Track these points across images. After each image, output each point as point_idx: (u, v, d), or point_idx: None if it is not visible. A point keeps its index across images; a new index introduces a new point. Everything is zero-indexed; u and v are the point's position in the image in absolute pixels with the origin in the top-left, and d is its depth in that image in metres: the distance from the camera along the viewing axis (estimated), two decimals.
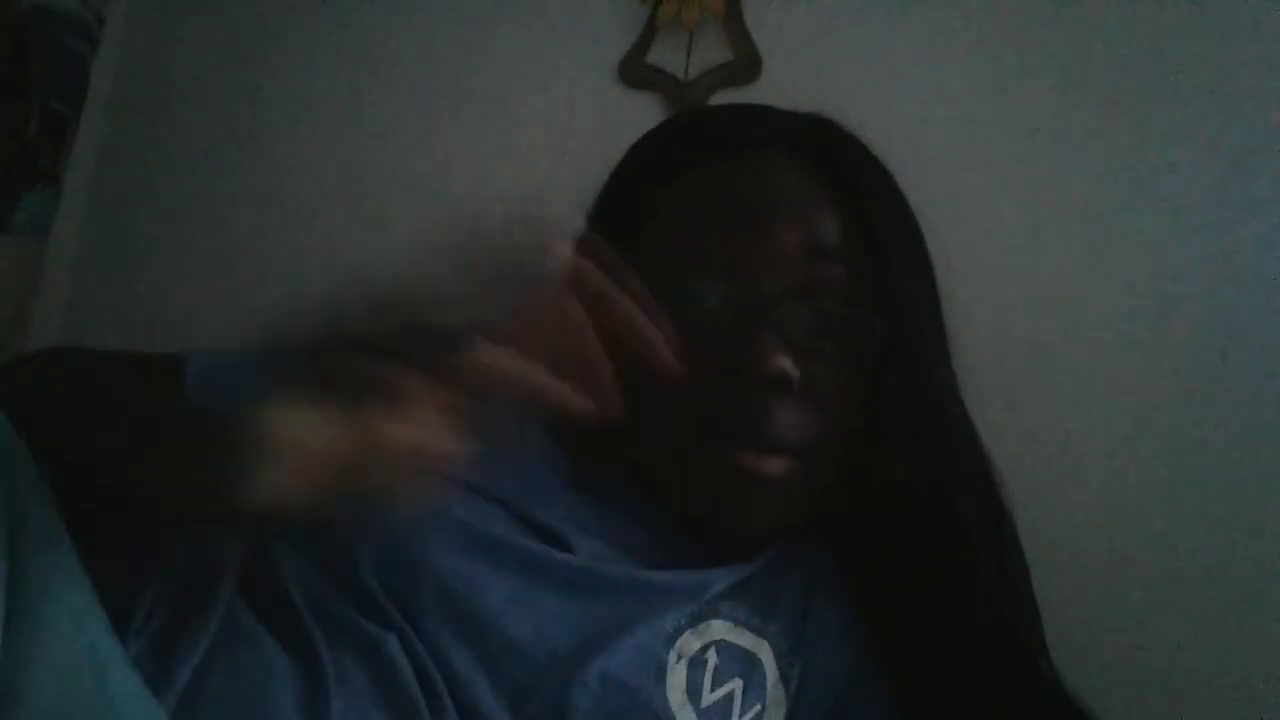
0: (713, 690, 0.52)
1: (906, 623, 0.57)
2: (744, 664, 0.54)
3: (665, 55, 0.89)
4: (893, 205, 0.60)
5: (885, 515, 0.57)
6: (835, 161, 0.58)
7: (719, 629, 0.54)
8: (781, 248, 0.55)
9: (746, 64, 0.87)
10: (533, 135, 0.91)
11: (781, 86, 0.87)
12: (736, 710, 0.52)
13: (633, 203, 0.62)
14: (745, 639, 0.55)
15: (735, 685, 0.53)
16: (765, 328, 0.53)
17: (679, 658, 0.52)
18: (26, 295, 0.95)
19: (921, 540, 0.56)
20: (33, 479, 0.36)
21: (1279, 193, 0.77)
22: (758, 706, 0.53)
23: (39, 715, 0.32)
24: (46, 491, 0.36)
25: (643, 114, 0.89)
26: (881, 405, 0.56)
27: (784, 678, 0.55)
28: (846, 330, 0.56)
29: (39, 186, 0.94)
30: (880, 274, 0.56)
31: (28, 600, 0.33)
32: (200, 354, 0.58)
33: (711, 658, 0.53)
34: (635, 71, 0.89)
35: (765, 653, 0.55)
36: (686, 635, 0.53)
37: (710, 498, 0.56)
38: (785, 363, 0.52)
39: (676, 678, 0.51)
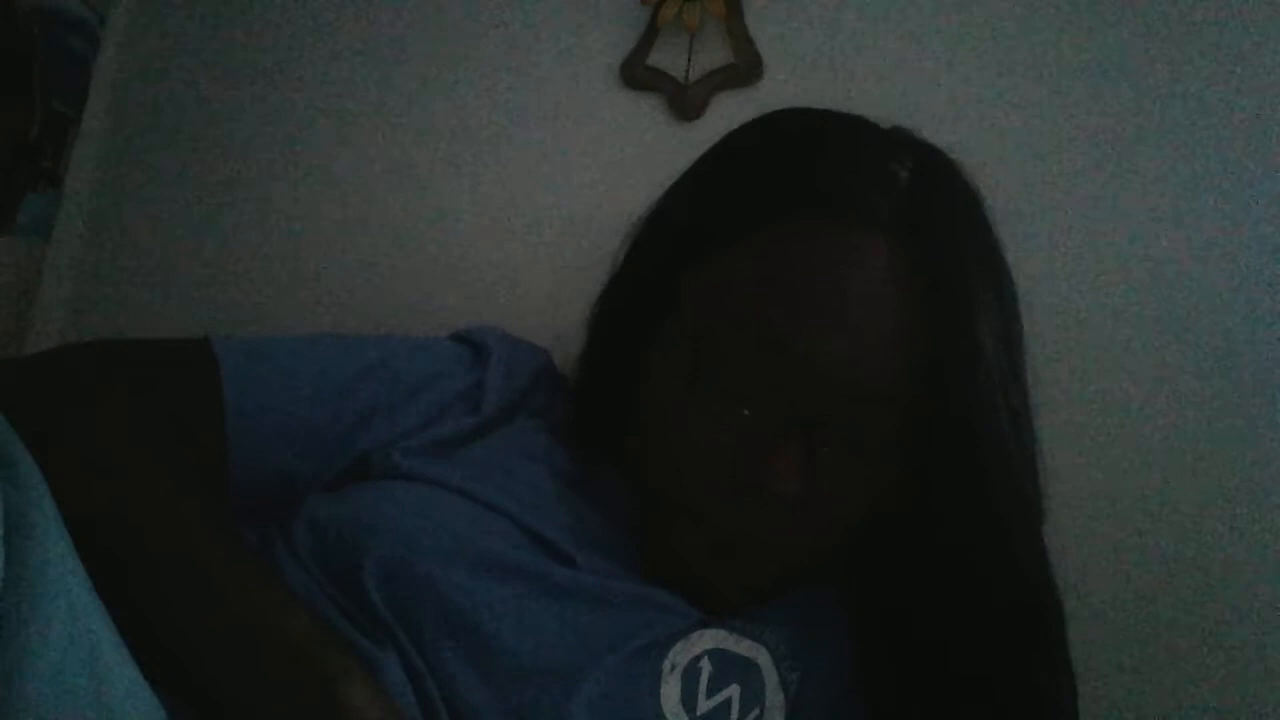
0: (708, 698, 0.52)
1: (917, 666, 0.54)
2: (740, 670, 0.54)
3: (666, 57, 0.89)
4: (992, 314, 0.51)
5: (912, 569, 0.54)
6: (941, 260, 0.51)
7: (712, 637, 0.54)
8: (837, 369, 0.50)
9: (748, 66, 0.87)
10: (533, 137, 0.91)
11: (783, 88, 0.87)
12: (734, 716, 0.52)
13: (706, 215, 0.57)
14: (742, 646, 0.54)
15: (732, 692, 0.53)
16: (789, 444, 0.50)
17: (672, 667, 0.52)
18: (28, 296, 0.95)
19: (957, 611, 0.52)
20: (31, 476, 0.36)
21: None
22: (756, 711, 0.53)
23: (37, 711, 0.32)
24: (45, 489, 0.36)
25: (644, 116, 0.89)
26: (936, 514, 0.51)
27: (784, 682, 0.55)
28: (890, 454, 0.52)
29: (41, 188, 0.94)
30: (959, 411, 0.49)
31: (26, 597, 0.33)
32: (227, 346, 0.57)
33: (705, 666, 0.53)
34: (636, 73, 0.89)
35: (763, 658, 0.55)
36: (679, 645, 0.53)
37: (681, 578, 0.55)
38: (797, 489, 0.50)
39: (670, 687, 0.51)
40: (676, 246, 0.58)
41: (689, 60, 0.88)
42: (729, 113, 0.82)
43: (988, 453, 0.50)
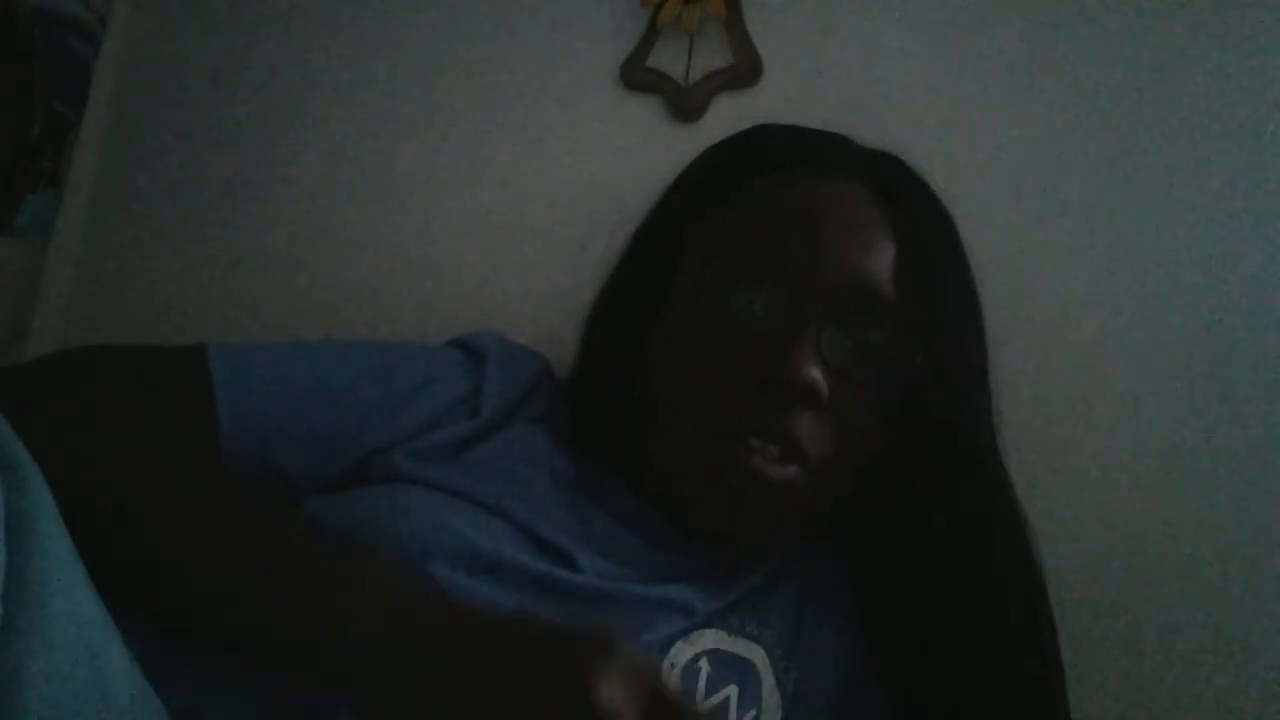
0: (707, 697, 0.53)
1: (917, 660, 0.57)
2: (739, 670, 0.54)
3: (666, 59, 0.89)
4: (949, 248, 0.62)
5: (908, 556, 0.58)
6: (901, 196, 0.60)
7: (711, 637, 0.55)
8: (836, 270, 0.56)
9: (748, 68, 0.87)
10: (534, 138, 0.91)
11: (783, 90, 0.87)
12: (733, 715, 0.53)
13: (701, 197, 0.64)
14: (739, 645, 0.55)
15: (730, 691, 0.54)
16: (804, 340, 0.54)
17: (672, 667, 0.53)
18: (28, 296, 0.95)
19: (945, 589, 0.56)
20: (33, 478, 0.36)
21: None
22: (754, 711, 0.54)
23: (38, 712, 0.32)
24: (47, 491, 0.37)
25: (644, 117, 0.89)
26: (914, 445, 0.57)
27: (780, 682, 0.55)
28: (885, 362, 0.57)
29: (41, 188, 0.94)
30: (931, 318, 0.58)
31: (29, 597, 0.33)
32: (222, 353, 0.58)
33: (704, 665, 0.53)
34: (636, 75, 0.89)
35: (760, 658, 0.56)
36: (679, 644, 0.54)
37: (718, 498, 0.56)
38: (816, 375, 0.54)
39: None
40: (681, 207, 0.65)
41: (689, 62, 0.88)
42: (729, 114, 0.82)
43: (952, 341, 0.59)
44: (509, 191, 0.91)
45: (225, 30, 0.99)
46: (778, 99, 0.86)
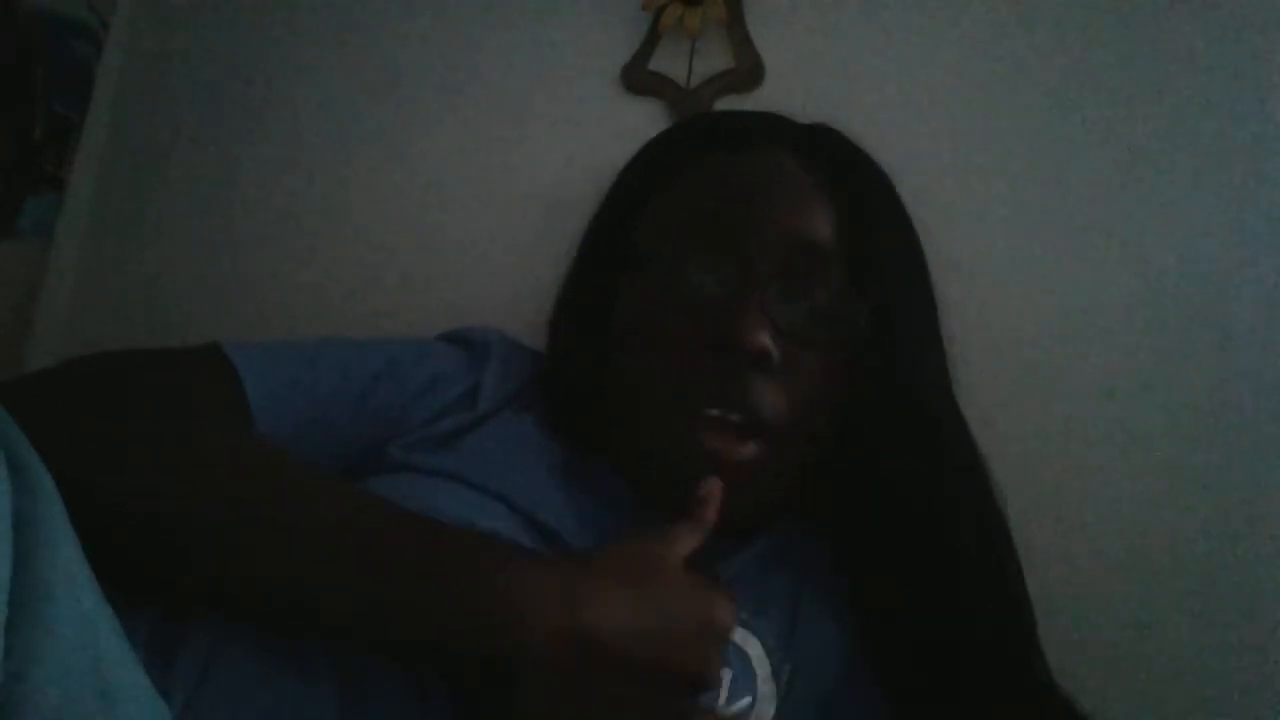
0: None
1: (896, 618, 0.58)
2: (733, 656, 0.55)
3: (668, 62, 0.90)
4: (886, 205, 0.64)
5: (874, 513, 0.59)
6: (833, 160, 0.62)
7: None
8: (774, 234, 0.58)
9: (749, 71, 0.88)
10: (536, 141, 0.92)
11: (783, 93, 0.88)
12: (724, 698, 0.54)
13: (645, 184, 0.66)
14: (734, 634, 0.56)
15: (723, 675, 0.54)
16: (750, 306, 0.56)
17: None
18: (30, 298, 0.96)
19: (910, 537, 0.58)
20: (41, 480, 0.36)
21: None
22: (748, 698, 0.55)
23: (43, 714, 0.33)
24: (54, 491, 0.37)
25: (645, 120, 0.90)
26: (865, 401, 0.58)
27: (775, 673, 0.56)
28: (832, 321, 0.58)
29: (43, 190, 0.95)
30: (870, 270, 0.59)
31: (33, 599, 0.34)
32: (241, 351, 0.58)
33: None
34: (638, 78, 0.90)
35: (754, 647, 0.57)
36: None
37: (679, 478, 0.57)
38: (765, 339, 0.55)
39: None
40: (629, 194, 0.67)
41: (690, 65, 0.89)
42: None
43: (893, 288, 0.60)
44: (510, 194, 0.92)
45: (226, 33, 0.99)
46: (779, 102, 0.86)
